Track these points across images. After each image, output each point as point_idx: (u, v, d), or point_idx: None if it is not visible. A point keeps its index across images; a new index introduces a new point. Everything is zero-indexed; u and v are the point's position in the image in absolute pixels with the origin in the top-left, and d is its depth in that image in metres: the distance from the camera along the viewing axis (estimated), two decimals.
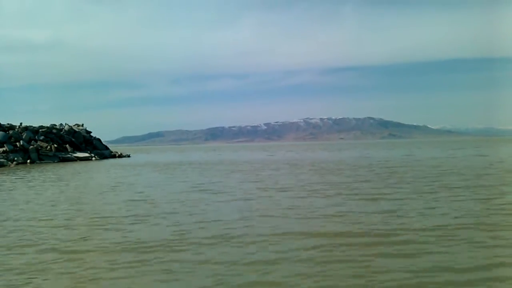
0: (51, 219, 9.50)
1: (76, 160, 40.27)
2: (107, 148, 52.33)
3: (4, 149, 36.60)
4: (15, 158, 35.76)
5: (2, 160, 34.66)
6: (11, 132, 39.88)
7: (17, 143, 38.05)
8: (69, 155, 40.92)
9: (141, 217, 9.50)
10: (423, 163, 25.57)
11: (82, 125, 51.00)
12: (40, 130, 42.68)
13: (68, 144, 43.52)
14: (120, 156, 49.85)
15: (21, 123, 43.61)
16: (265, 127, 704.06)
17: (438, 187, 13.34)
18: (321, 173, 20.19)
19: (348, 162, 29.14)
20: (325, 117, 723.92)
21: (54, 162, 37.99)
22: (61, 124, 48.15)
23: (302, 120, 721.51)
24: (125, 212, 10.25)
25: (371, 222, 8.24)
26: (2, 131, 39.77)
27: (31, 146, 38.50)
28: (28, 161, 36.55)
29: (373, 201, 10.89)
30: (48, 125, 45.46)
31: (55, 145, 40.85)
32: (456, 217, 8.53)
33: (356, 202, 10.77)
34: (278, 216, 9.11)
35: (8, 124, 42.81)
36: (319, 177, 17.83)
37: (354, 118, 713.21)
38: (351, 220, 8.55)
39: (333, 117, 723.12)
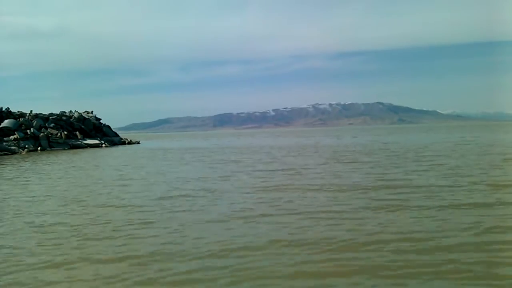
0: None
1: (86, 147, 40.17)
2: (116, 135, 52.22)
3: (15, 136, 36.59)
4: (26, 146, 35.75)
5: (13, 147, 34.68)
6: (21, 119, 39.84)
7: (28, 131, 38.03)
8: (79, 142, 40.83)
9: None
10: None
11: (92, 112, 50.83)
12: (50, 117, 42.61)
13: (78, 131, 43.42)
14: (130, 143, 49.67)
15: (31, 111, 43.58)
16: (274, 113, 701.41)
17: None
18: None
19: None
20: (334, 103, 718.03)
21: (64, 149, 37.92)
22: (70, 112, 48.04)
23: (311, 106, 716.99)
24: None
25: None
26: (13, 118, 39.75)
27: (41, 134, 38.44)
28: (39, 148, 36.52)
29: None
30: (58, 113, 45.38)
31: (65, 132, 40.76)
32: None
33: None
34: None
35: (18, 111, 42.82)
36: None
37: (363, 104, 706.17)
38: None
39: (342, 103, 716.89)
